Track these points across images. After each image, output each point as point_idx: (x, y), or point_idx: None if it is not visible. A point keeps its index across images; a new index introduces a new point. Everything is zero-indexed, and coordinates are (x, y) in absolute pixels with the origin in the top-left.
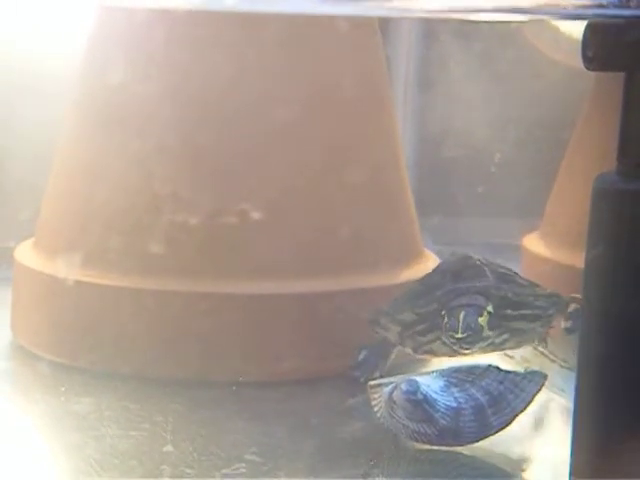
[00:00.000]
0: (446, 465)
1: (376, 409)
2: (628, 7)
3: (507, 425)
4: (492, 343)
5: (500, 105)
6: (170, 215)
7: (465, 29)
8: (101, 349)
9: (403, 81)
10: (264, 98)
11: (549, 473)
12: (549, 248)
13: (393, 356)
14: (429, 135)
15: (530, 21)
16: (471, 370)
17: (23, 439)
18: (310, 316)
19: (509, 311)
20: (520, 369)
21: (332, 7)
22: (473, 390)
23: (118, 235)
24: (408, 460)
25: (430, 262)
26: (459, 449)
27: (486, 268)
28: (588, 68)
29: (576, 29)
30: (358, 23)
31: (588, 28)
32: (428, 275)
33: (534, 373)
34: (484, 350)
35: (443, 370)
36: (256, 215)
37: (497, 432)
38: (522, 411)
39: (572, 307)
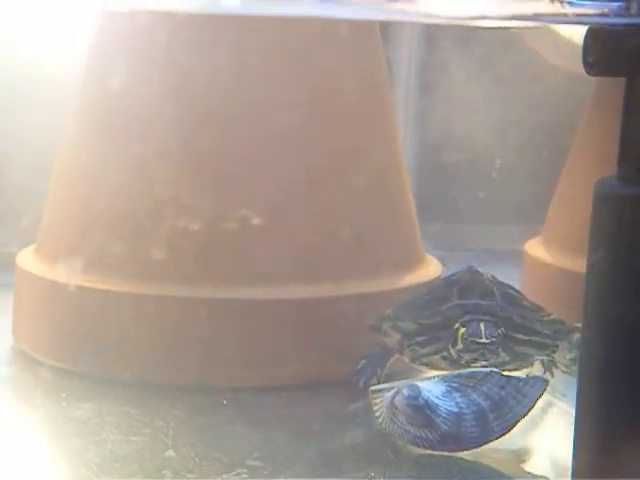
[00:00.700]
0: (448, 470)
1: (378, 414)
2: (629, 15)
3: (509, 430)
4: (491, 363)
5: (501, 110)
6: (171, 220)
7: (466, 34)
8: (102, 354)
9: (404, 85)
10: (265, 103)
11: (551, 478)
12: (550, 253)
13: (389, 364)
14: (430, 140)
15: (531, 27)
16: (473, 375)
17: (24, 444)
18: (311, 321)
19: (513, 334)
20: (522, 374)
21: (334, 10)
22: (475, 395)
23: (119, 241)
24: (410, 465)
25: (431, 267)
26: (461, 454)
27: (494, 287)
28: (589, 73)
29: (577, 34)
30: (359, 27)
31: (589, 34)
32: (435, 286)
33: (536, 378)
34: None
35: (445, 375)
36: (257, 220)
37: (499, 437)
38: (524, 416)
39: (576, 337)
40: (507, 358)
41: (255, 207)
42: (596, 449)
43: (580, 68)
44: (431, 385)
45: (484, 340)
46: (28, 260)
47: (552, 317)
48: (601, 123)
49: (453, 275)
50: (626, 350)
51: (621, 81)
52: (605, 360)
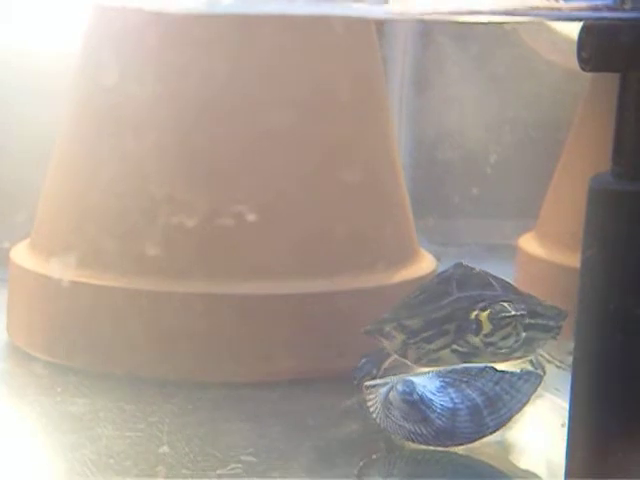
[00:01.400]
0: (442, 466)
1: (372, 410)
2: (623, 10)
3: (503, 425)
4: (502, 352)
5: (496, 106)
6: (165, 216)
7: (461, 30)
8: (97, 350)
9: (399, 82)
10: (259, 99)
11: (545, 473)
12: (544, 248)
13: (387, 364)
14: (425, 136)
15: (526, 22)
16: (467, 371)
17: (18, 440)
18: (306, 316)
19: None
20: (516, 369)
21: (328, 8)
22: (469, 390)
23: (113, 236)
24: (404, 460)
25: (426, 262)
26: (455, 449)
27: (490, 278)
28: (583, 69)
29: (572, 30)
30: (354, 24)
31: (583, 29)
32: (428, 284)
33: (530, 373)
34: (496, 357)
35: (439, 371)
36: (251, 216)
37: (493, 432)
38: (518, 411)
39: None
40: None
41: (250, 203)
42: (590, 449)
43: (576, 64)
44: (425, 380)
45: (514, 312)
46: (22, 255)
47: (547, 303)
48: (595, 119)
49: (444, 272)
50: (620, 345)
51: (616, 76)
52: (599, 355)
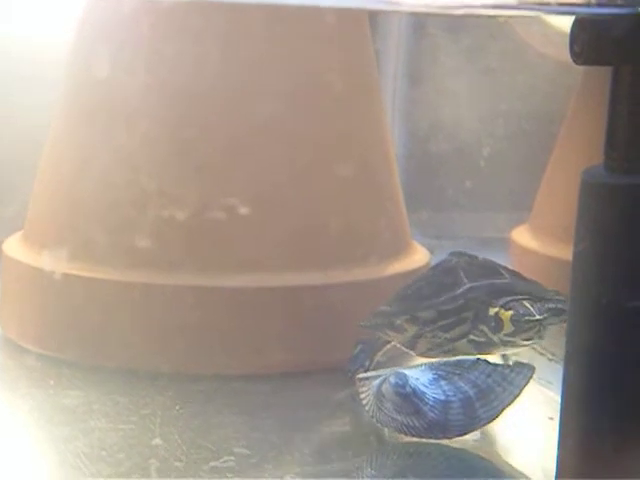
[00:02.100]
0: (434, 458)
1: (365, 402)
2: (614, 5)
3: (495, 418)
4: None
5: (489, 99)
6: (157, 208)
7: (454, 23)
8: (89, 342)
9: (392, 75)
10: (251, 91)
11: (537, 466)
12: (537, 241)
13: (381, 353)
14: (418, 129)
15: (517, 16)
16: (459, 363)
17: (11, 433)
18: (298, 309)
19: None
20: (508, 362)
21: None
22: (461, 383)
23: (105, 228)
24: (397, 453)
25: (419, 255)
26: (447, 442)
27: (497, 266)
28: (576, 63)
29: (565, 23)
30: (347, 16)
31: (575, 23)
32: (430, 275)
33: (522, 366)
34: (512, 345)
35: (432, 363)
36: (243, 209)
37: (485, 425)
38: (510, 404)
39: None
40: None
41: (242, 195)
42: (581, 439)
43: (568, 56)
44: (418, 373)
45: (538, 317)
46: (15, 247)
47: (551, 289)
48: (588, 112)
49: (445, 262)
50: (612, 338)
51: (608, 70)
52: (591, 348)
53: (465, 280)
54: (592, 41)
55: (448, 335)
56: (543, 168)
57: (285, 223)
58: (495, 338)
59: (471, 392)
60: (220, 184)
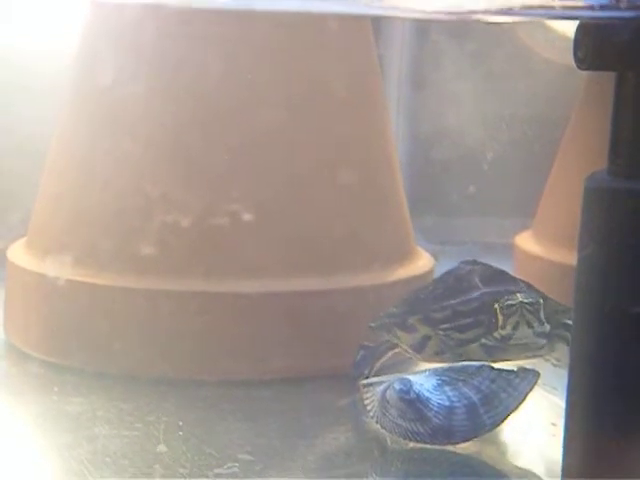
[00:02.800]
0: (439, 464)
1: (369, 408)
2: (618, 9)
3: (500, 423)
4: (526, 346)
5: (493, 104)
6: (161, 215)
7: (458, 28)
8: (93, 349)
9: (396, 80)
10: (256, 97)
11: (542, 471)
12: (541, 246)
13: (385, 358)
14: (422, 134)
15: (520, 22)
16: (464, 369)
17: (15, 439)
18: (302, 315)
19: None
20: (513, 367)
21: (325, 5)
22: (466, 389)
23: (109, 235)
24: (401, 459)
25: (423, 261)
26: (452, 448)
27: (511, 276)
28: (579, 68)
29: (569, 27)
30: (350, 22)
31: (579, 28)
32: (442, 281)
33: (527, 371)
34: (522, 351)
35: (436, 369)
36: (248, 214)
37: (490, 430)
38: (515, 409)
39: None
40: (544, 341)
41: (245, 201)
42: (587, 448)
43: (572, 61)
44: (422, 379)
45: (521, 299)
46: (19, 254)
47: (564, 304)
48: (592, 117)
49: (459, 269)
50: (616, 344)
51: (612, 75)
52: (595, 354)
53: (480, 285)
54: (596, 47)
55: (463, 336)
56: (547, 173)
57: (289, 229)
58: (497, 336)
59: (475, 398)
60: (224, 190)
